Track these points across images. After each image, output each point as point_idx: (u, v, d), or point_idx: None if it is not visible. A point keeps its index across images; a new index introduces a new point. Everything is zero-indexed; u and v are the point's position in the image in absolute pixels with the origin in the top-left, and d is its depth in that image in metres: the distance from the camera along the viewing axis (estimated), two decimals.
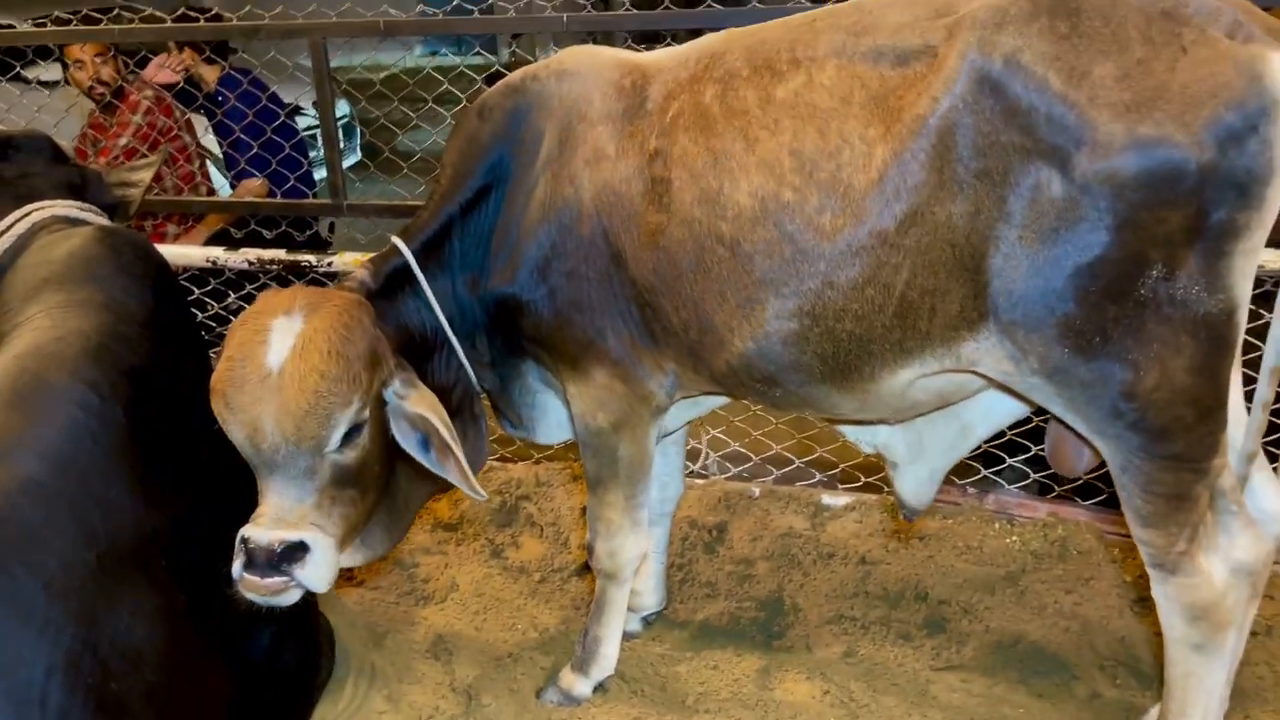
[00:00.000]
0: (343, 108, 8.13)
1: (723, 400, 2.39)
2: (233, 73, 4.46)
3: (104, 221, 2.35)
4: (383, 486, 2.05)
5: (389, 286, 2.15)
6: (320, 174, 4.75)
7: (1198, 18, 1.62)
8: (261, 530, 1.77)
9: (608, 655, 2.49)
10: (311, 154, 5.11)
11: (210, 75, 4.44)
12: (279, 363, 1.76)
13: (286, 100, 4.84)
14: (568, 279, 2.10)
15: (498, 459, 3.61)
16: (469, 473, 1.99)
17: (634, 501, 2.35)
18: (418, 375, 2.04)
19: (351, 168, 8.57)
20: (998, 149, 1.66)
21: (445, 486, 2.26)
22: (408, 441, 2.00)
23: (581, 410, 2.24)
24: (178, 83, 4.47)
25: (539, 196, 2.10)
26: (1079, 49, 1.63)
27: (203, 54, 4.39)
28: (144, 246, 2.20)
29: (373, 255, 2.22)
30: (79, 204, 2.34)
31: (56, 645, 1.58)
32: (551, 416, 2.47)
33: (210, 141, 4.97)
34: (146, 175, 2.51)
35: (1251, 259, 1.65)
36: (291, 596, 1.82)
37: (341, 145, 4.44)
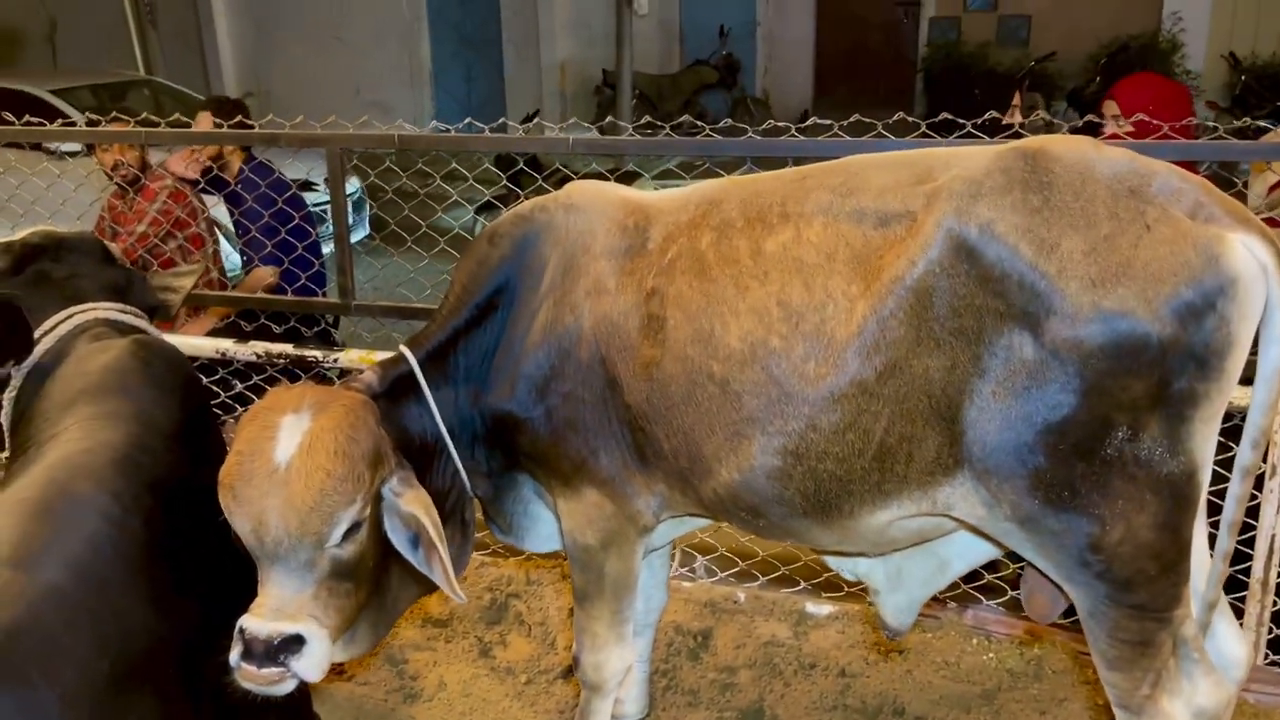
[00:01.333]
0: (353, 184, 8.37)
1: (706, 522, 2.50)
2: (251, 175, 4.63)
3: (144, 324, 2.47)
4: (376, 581, 2.11)
5: (393, 391, 2.26)
6: (329, 248, 4.90)
7: (1160, 197, 1.77)
8: (260, 622, 1.82)
9: None
10: (320, 228, 5.26)
11: (235, 163, 4.63)
12: (286, 459, 1.84)
13: (297, 174, 5.03)
14: (565, 400, 2.22)
15: (488, 554, 3.69)
16: (452, 575, 2.04)
17: (620, 616, 2.44)
18: (416, 477, 2.14)
19: (359, 241, 8.79)
20: (973, 310, 1.80)
21: (432, 587, 2.34)
22: (399, 538, 2.06)
23: (571, 526, 2.34)
24: (197, 180, 4.66)
25: (541, 320, 2.24)
26: (1050, 222, 1.77)
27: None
28: (176, 359, 2.32)
29: (380, 360, 2.34)
30: (121, 306, 2.46)
31: None
32: (542, 527, 2.57)
33: (221, 213, 5.14)
34: (188, 282, 2.64)
35: (1212, 424, 1.77)
36: (287, 686, 1.87)
37: (350, 220, 4.63)
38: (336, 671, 3.02)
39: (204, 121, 4.54)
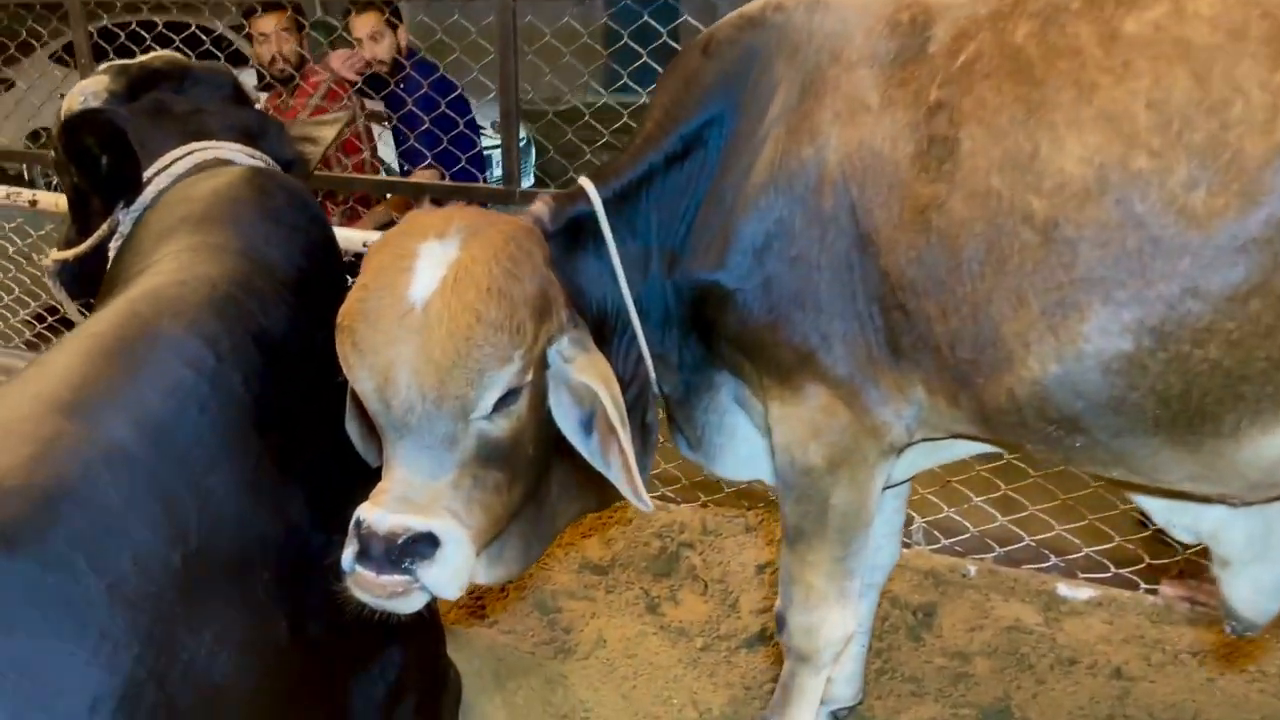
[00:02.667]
0: (522, 131, 8.04)
1: (975, 448, 1.85)
2: (413, 74, 4.25)
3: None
4: (534, 478, 1.62)
5: (568, 234, 1.71)
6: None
7: None
8: (383, 512, 1.37)
9: None
10: (486, 173, 4.89)
11: (383, 53, 4.24)
12: (424, 297, 1.37)
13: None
14: (792, 266, 1.63)
15: (658, 497, 3.15)
16: (635, 471, 1.55)
17: (845, 565, 1.83)
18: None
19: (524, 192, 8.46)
20: None
21: (598, 501, 1.87)
22: (566, 419, 1.57)
23: (788, 440, 1.75)
24: (355, 81, 4.31)
25: (767, 157, 1.65)
26: None
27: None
28: (301, 195, 1.86)
29: (554, 192, 1.80)
30: (251, 151, 2.03)
31: (113, 670, 1.19)
32: (741, 445, 1.97)
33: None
34: (330, 133, 2.21)
35: None
36: (413, 602, 1.42)
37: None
38: (474, 607, 2.55)
39: (364, 23, 4.19)
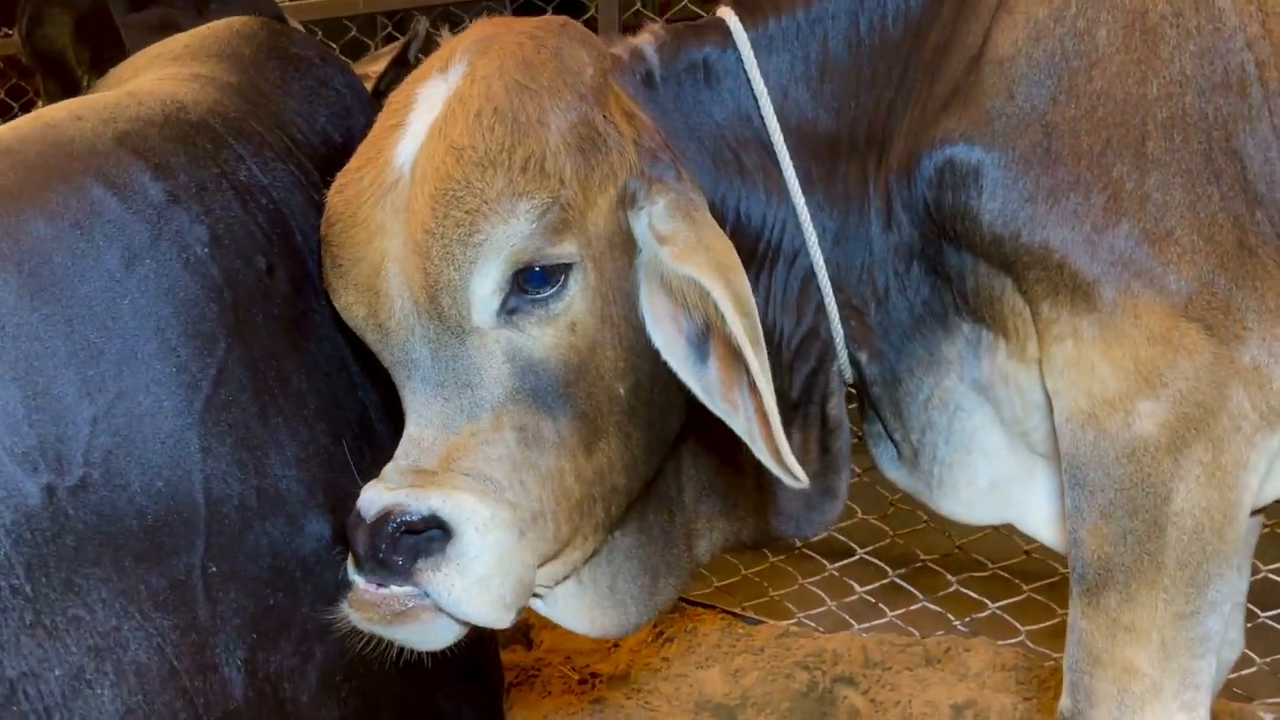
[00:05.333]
0: None
1: None
2: None
3: None
4: (644, 442, 1.08)
5: (690, 85, 1.15)
6: None
7: None
8: (377, 490, 0.93)
9: None
10: None
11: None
12: (412, 156, 0.96)
13: None
14: (1094, 106, 1.02)
15: (795, 624, 2.37)
16: (777, 423, 0.96)
17: (1193, 632, 1.09)
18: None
19: None
20: None
21: (759, 528, 1.25)
22: (666, 336, 1.03)
23: (1092, 401, 1.06)
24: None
25: None
26: None
27: None
28: (338, 61, 1.34)
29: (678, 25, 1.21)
30: None
31: None
32: (979, 463, 1.26)
33: None
34: (379, 67, 1.74)
35: None
36: (429, 630, 0.94)
37: None
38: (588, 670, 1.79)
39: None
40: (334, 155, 1.15)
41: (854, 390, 1.30)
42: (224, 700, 0.81)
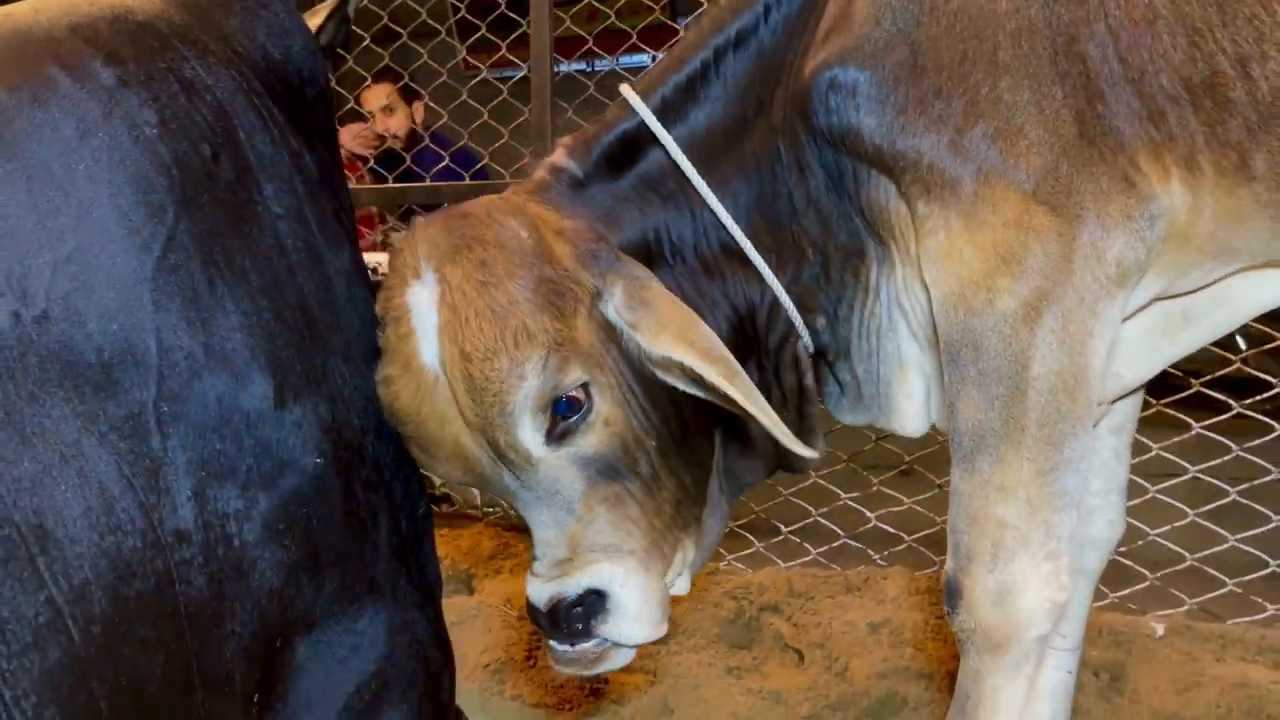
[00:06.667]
0: None
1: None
2: (431, 146, 4.00)
3: None
4: (687, 454, 1.33)
5: (613, 165, 1.35)
6: None
7: None
8: (538, 585, 1.25)
9: None
10: None
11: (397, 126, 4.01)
12: (435, 360, 1.21)
13: None
14: (953, 23, 1.17)
15: (725, 564, 2.49)
16: (778, 426, 1.20)
17: (1055, 486, 1.21)
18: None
19: None
20: None
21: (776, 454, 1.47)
22: (675, 378, 1.26)
23: (959, 285, 1.20)
24: (366, 158, 4.05)
25: None
26: None
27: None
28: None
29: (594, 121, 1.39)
30: None
31: None
32: (912, 375, 1.39)
33: None
34: (319, 20, 1.81)
35: None
36: (618, 660, 1.28)
37: None
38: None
39: (376, 95, 3.99)
40: (273, 69, 1.24)
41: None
42: (175, 519, 0.89)
